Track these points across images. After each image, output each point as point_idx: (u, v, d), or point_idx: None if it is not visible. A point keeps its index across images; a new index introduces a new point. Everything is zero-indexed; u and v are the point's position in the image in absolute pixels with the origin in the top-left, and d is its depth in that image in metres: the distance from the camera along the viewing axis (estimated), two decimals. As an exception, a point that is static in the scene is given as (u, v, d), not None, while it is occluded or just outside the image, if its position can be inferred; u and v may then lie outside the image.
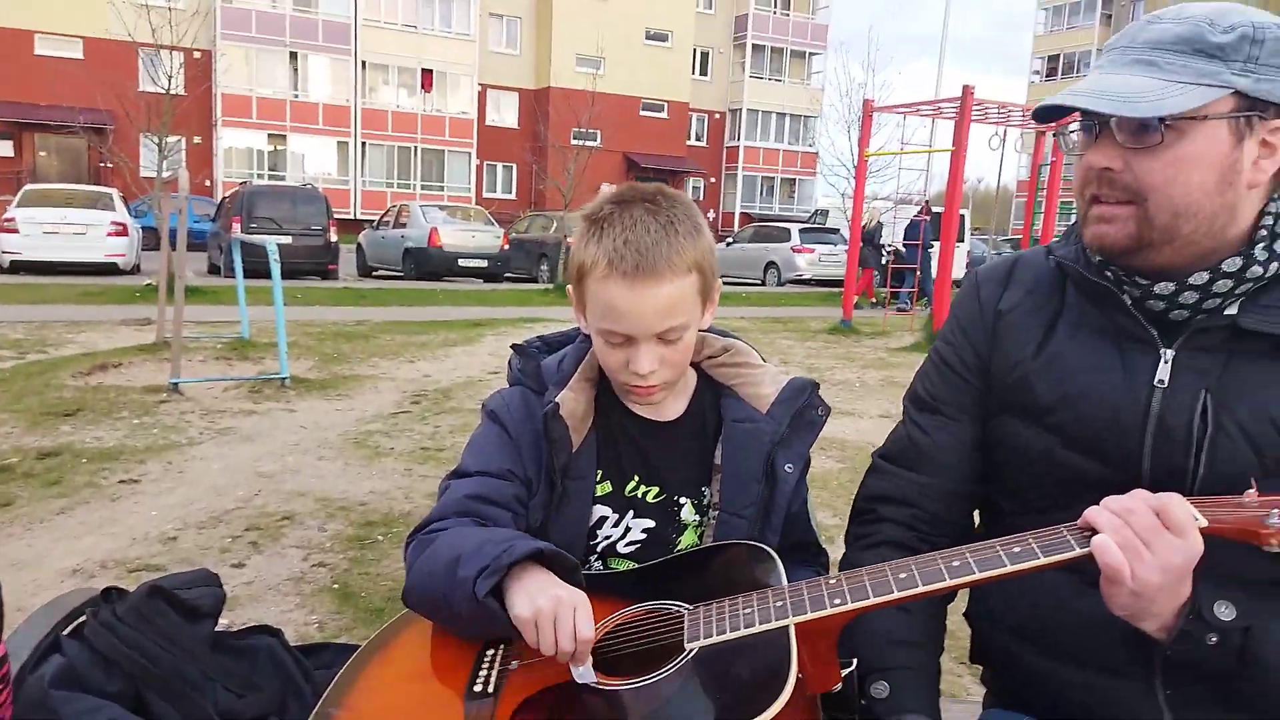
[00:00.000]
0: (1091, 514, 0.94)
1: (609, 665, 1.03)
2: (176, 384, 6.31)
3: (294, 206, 16.55)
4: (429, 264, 17.78)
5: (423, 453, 5.10)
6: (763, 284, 21.74)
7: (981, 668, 1.29)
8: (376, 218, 21.23)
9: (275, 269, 6.47)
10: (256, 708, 1.25)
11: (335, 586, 3.29)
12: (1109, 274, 1.10)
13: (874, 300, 15.90)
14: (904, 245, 14.40)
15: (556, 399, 1.24)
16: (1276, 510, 0.90)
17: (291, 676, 1.36)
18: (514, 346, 1.37)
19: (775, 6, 42.44)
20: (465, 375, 7.65)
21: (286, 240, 15.11)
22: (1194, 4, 1.05)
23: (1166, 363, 1.07)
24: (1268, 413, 1.02)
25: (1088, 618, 1.04)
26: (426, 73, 35.22)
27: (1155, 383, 1.07)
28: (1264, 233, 1.05)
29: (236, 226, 14.83)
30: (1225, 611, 0.96)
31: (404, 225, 18.48)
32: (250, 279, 8.00)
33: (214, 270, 16.56)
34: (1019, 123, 12.39)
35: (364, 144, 34.74)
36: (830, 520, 4.16)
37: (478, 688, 1.03)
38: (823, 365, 9.11)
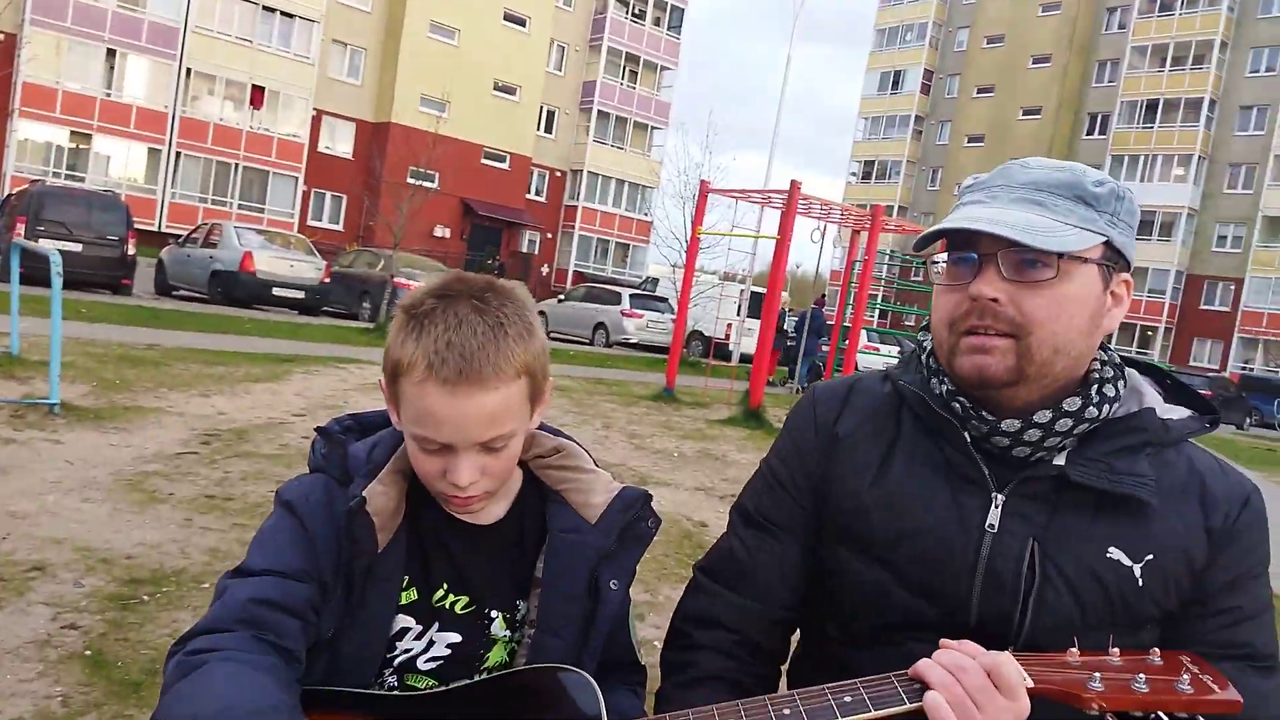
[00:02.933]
0: (923, 668, 0.92)
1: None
2: (-81, 401, 5.52)
3: (89, 212, 15.16)
4: (239, 289, 16.70)
5: (207, 501, 4.66)
6: (590, 343, 21.88)
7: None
8: (184, 234, 19.83)
9: (56, 283, 5.84)
10: None
11: (87, 653, 2.89)
12: (957, 406, 1.11)
13: (773, 379, 16.63)
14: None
15: (363, 493, 1.11)
16: (1098, 673, 0.91)
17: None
18: (319, 430, 1.22)
19: (623, 78, 43.71)
20: (266, 415, 7.13)
21: (76, 248, 13.88)
22: (1047, 159, 1.10)
23: (997, 507, 1.08)
24: (1089, 565, 1.05)
25: None
26: (257, 89, 33.52)
27: (986, 527, 1.08)
28: (1095, 375, 1.11)
29: (20, 228, 13.41)
30: None
31: (214, 245, 17.33)
32: (31, 287, 7.18)
33: (-12, 273, 14.88)
34: (838, 220, 13.24)
35: (179, 153, 32.44)
36: (641, 595, 4.11)
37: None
38: (643, 432, 9.17)
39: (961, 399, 1.10)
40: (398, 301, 1.14)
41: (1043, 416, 1.07)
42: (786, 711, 0.92)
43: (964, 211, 1.08)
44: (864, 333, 15.21)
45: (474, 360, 1.04)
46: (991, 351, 1.05)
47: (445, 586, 1.16)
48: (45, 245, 7.51)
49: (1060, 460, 1.08)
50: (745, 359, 14.89)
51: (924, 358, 1.18)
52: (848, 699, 0.92)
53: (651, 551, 4.90)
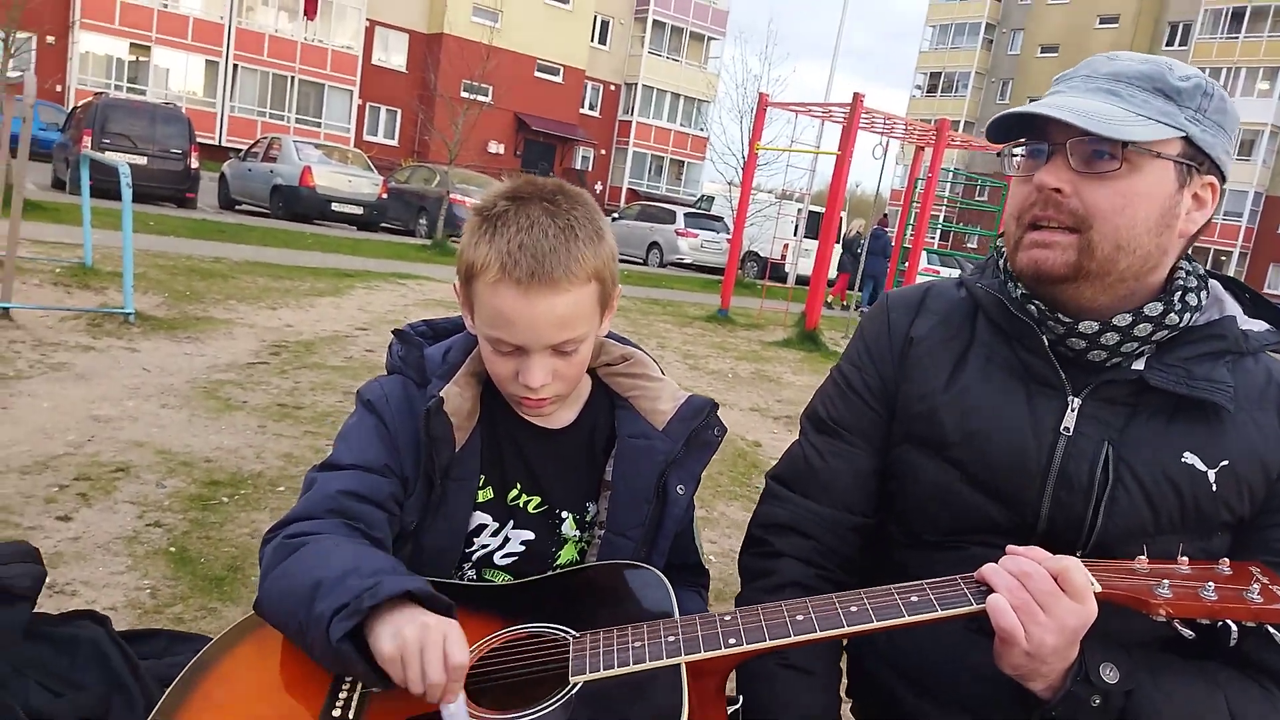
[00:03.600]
0: (988, 572, 0.94)
1: (484, 694, 0.96)
2: (7, 309, 5.75)
3: (153, 125, 15.30)
4: (299, 204, 16.87)
5: (279, 409, 4.83)
6: (644, 263, 21.79)
7: (853, 700, 1.29)
8: (244, 147, 19.99)
9: (126, 194, 5.96)
10: (75, 710, 1.11)
11: (172, 549, 3.06)
12: (1032, 308, 1.10)
13: (845, 303, 16.63)
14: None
15: (440, 393, 1.15)
16: (1167, 580, 0.92)
17: (117, 673, 1.22)
18: (396, 332, 1.26)
19: (679, -15, 42.41)
20: (331, 329, 7.30)
21: (141, 161, 14.09)
22: (1137, 54, 1.06)
23: (1073, 411, 1.08)
24: (1164, 469, 1.05)
25: (975, 667, 1.04)
26: (311, -1, 33.37)
27: (1061, 430, 1.08)
28: (1179, 283, 1.09)
29: (87, 141, 13.65)
30: (1110, 674, 0.97)
31: (274, 159, 17.46)
32: (99, 199, 7.36)
33: (58, 185, 15.23)
34: (901, 135, 12.84)
35: (236, 66, 32.52)
36: (698, 512, 4.19)
37: (336, 712, 0.94)
38: (699, 353, 9.20)
39: (1037, 301, 1.10)
40: (469, 204, 1.14)
41: (1122, 320, 1.06)
42: (854, 609, 0.95)
43: (1043, 99, 1.07)
44: (924, 254, 14.81)
45: (546, 261, 1.06)
46: (1052, 246, 1.04)
47: (519, 486, 1.21)
48: (113, 157, 7.66)
49: (1139, 365, 1.07)
50: (802, 280, 14.71)
51: (1001, 262, 1.17)
52: (914, 599, 0.94)
53: (707, 469, 5.00)
